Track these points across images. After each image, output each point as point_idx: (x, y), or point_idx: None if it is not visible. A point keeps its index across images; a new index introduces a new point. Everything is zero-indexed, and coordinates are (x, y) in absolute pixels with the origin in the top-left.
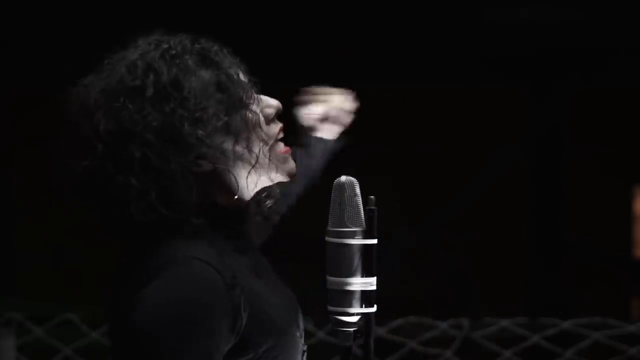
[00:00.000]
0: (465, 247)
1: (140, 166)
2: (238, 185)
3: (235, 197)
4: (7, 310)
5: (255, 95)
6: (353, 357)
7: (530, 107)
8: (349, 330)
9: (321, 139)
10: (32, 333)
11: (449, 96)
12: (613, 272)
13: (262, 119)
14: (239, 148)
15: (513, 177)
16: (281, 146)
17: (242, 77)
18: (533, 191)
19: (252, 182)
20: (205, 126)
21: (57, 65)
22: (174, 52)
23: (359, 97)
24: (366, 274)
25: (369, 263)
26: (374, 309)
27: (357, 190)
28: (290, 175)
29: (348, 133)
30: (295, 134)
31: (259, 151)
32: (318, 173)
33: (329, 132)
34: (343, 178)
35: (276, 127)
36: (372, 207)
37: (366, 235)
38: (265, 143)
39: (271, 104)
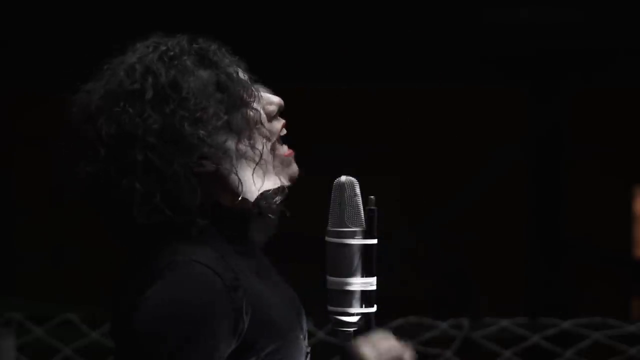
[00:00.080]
0: (465, 247)
1: (143, 169)
2: (242, 186)
3: (240, 197)
4: (7, 310)
5: (256, 93)
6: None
7: (530, 107)
8: (349, 330)
9: None
10: (32, 333)
11: (449, 96)
12: (613, 272)
13: (264, 116)
14: (242, 146)
15: (513, 177)
16: (284, 148)
17: (241, 75)
18: (533, 191)
19: (257, 181)
20: (206, 126)
21: (57, 65)
22: (172, 53)
23: (359, 97)
24: (366, 274)
25: (369, 263)
26: (374, 309)
27: (357, 190)
28: (293, 179)
29: (348, 133)
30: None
31: (263, 148)
32: None
33: None
34: (343, 178)
35: (279, 124)
36: (372, 207)
37: (366, 235)
38: (268, 140)
39: (273, 100)
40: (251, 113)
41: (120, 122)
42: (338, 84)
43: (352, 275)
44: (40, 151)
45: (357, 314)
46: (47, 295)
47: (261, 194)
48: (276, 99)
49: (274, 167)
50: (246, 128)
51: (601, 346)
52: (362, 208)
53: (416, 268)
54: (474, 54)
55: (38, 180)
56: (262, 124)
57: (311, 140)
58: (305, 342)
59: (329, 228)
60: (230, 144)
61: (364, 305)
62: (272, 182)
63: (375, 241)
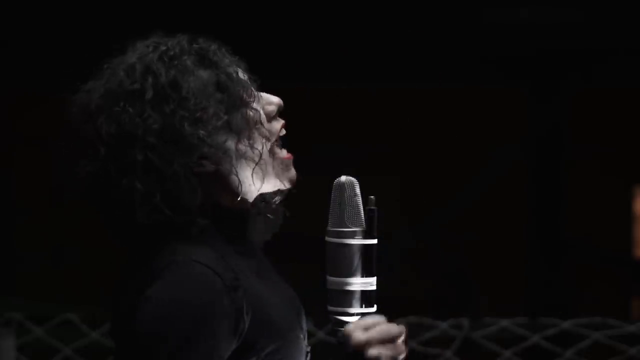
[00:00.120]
0: (465, 247)
1: (143, 169)
2: (241, 186)
3: (239, 198)
4: (7, 310)
5: (256, 93)
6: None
7: (530, 107)
8: None
9: None
10: (32, 333)
11: (449, 96)
12: (613, 272)
13: (263, 116)
14: (241, 146)
15: (513, 177)
16: (284, 152)
17: (241, 75)
18: (533, 191)
19: (256, 182)
20: (206, 126)
21: (57, 65)
22: (171, 53)
23: (359, 97)
24: (366, 274)
25: (369, 263)
26: (374, 309)
27: (357, 190)
28: (292, 182)
29: (348, 133)
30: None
31: (262, 148)
32: None
33: None
34: (343, 178)
35: (278, 125)
36: (372, 207)
37: (366, 235)
38: (268, 140)
39: (272, 101)
40: (251, 113)
41: (120, 122)
42: (338, 84)
43: (352, 275)
44: (40, 151)
45: (357, 314)
46: (47, 295)
47: (260, 194)
48: (276, 99)
49: (272, 168)
50: (246, 128)
51: (601, 346)
52: (362, 208)
53: (416, 268)
54: (474, 54)
55: (38, 180)
56: (261, 124)
57: (311, 140)
58: (305, 342)
59: (329, 228)
60: (230, 144)
61: (364, 306)
62: (271, 184)
63: (375, 241)
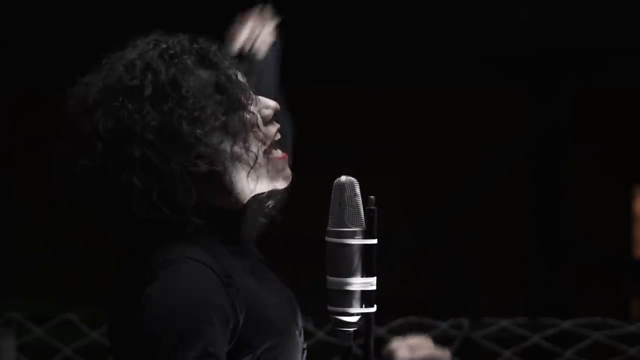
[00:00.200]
0: (465, 247)
1: (141, 165)
2: (235, 187)
3: (232, 198)
4: (7, 310)
5: (254, 96)
6: (353, 357)
7: (530, 107)
8: (349, 330)
9: (258, 62)
10: (32, 333)
11: (449, 96)
12: (613, 272)
13: (260, 119)
14: (237, 149)
15: (513, 177)
16: (278, 152)
17: (240, 77)
18: (533, 191)
19: (250, 183)
20: (204, 126)
21: (57, 65)
22: (172, 51)
23: (359, 97)
24: (366, 274)
25: (369, 263)
26: (374, 309)
27: (357, 190)
28: (287, 181)
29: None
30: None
31: (257, 151)
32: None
33: (260, 53)
34: (343, 178)
35: (274, 128)
36: (372, 207)
37: (366, 235)
38: (263, 143)
39: (269, 104)
40: (248, 116)
41: (118, 117)
42: (338, 84)
43: (352, 275)
44: (40, 151)
45: (357, 314)
46: (47, 295)
47: (254, 195)
48: (272, 103)
49: (267, 171)
50: (242, 131)
51: (601, 346)
52: (362, 208)
53: (416, 268)
54: (474, 54)
55: (38, 180)
56: (258, 127)
57: (311, 140)
58: (301, 339)
59: (329, 228)
60: (226, 145)
61: (364, 305)
62: (264, 186)
63: (375, 241)
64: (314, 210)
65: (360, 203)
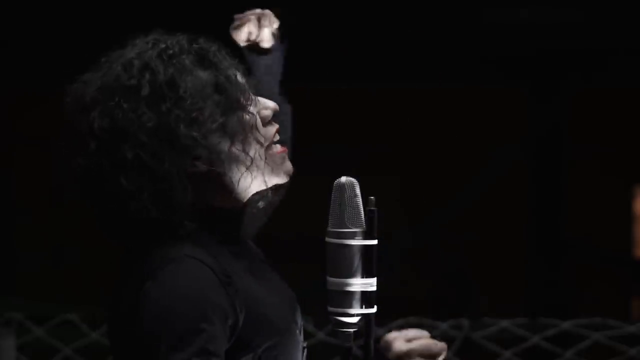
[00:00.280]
0: (465, 247)
1: (133, 166)
2: (233, 188)
3: (231, 198)
4: (7, 310)
5: (253, 97)
6: (353, 357)
7: (530, 107)
8: (349, 331)
9: (267, 53)
10: (32, 333)
11: (449, 96)
12: (613, 272)
13: (259, 120)
14: (235, 149)
15: (513, 177)
16: (277, 147)
17: (240, 78)
18: (533, 191)
19: (247, 184)
20: (201, 127)
21: (57, 65)
22: (171, 51)
23: (359, 97)
24: (366, 274)
25: (369, 264)
26: (374, 310)
27: (357, 190)
28: (288, 175)
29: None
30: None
31: (255, 153)
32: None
33: (267, 42)
34: (343, 179)
35: (273, 129)
36: (372, 208)
37: (366, 236)
38: (261, 145)
39: (268, 105)
40: (247, 117)
41: (113, 117)
42: (338, 84)
43: (352, 276)
44: (40, 151)
45: (357, 315)
46: (47, 295)
47: (253, 195)
48: (272, 104)
49: (265, 170)
50: (241, 132)
51: (601, 347)
52: (362, 209)
53: (416, 268)
54: (474, 54)
55: (38, 180)
56: (256, 128)
57: (311, 140)
58: (301, 338)
59: (329, 229)
60: (224, 146)
61: (364, 306)
62: (265, 183)
63: (375, 242)
64: (314, 210)
65: (361, 204)
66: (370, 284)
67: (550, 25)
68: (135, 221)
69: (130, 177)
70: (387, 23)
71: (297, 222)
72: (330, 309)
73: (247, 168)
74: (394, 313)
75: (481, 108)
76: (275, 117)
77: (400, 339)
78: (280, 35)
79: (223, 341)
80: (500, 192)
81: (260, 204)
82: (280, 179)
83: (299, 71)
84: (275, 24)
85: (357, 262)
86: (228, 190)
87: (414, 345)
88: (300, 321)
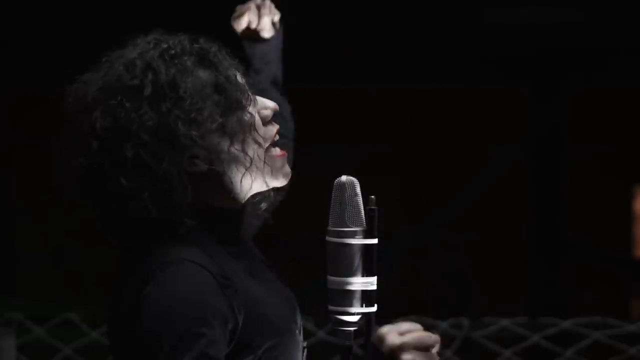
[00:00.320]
0: (465, 247)
1: (134, 165)
2: (232, 188)
3: (231, 198)
4: (7, 310)
5: (252, 97)
6: (353, 356)
7: (530, 107)
8: (350, 330)
9: (265, 42)
10: (32, 333)
11: (449, 96)
12: (613, 272)
13: (258, 120)
14: (234, 150)
15: (513, 177)
16: (277, 150)
17: (239, 78)
18: (533, 191)
19: (246, 184)
20: (200, 127)
21: (57, 64)
22: (173, 52)
23: (359, 97)
24: (367, 273)
25: (370, 263)
26: (374, 309)
27: (358, 190)
28: (287, 178)
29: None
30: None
31: (254, 153)
32: (280, 74)
33: (267, 32)
34: (344, 178)
35: (273, 130)
36: (373, 207)
37: (367, 235)
38: (260, 145)
39: (268, 105)
40: (246, 117)
41: (115, 116)
42: (338, 84)
43: (352, 275)
44: (40, 151)
45: (358, 314)
46: (47, 295)
47: (252, 195)
48: (271, 104)
49: (264, 171)
50: (240, 132)
51: (601, 346)
52: (362, 208)
53: (416, 268)
54: (474, 54)
55: (38, 180)
56: (255, 129)
57: (311, 140)
58: (301, 337)
59: (330, 228)
60: (223, 146)
61: (364, 305)
62: (264, 184)
63: (375, 241)
64: (314, 210)
65: (361, 203)
66: (370, 283)
67: (550, 25)
68: (135, 221)
69: (131, 176)
70: (387, 23)
71: (297, 221)
72: (331, 307)
73: (247, 168)
74: (394, 313)
75: (481, 108)
76: (275, 117)
77: (394, 332)
78: (280, 25)
79: (223, 345)
80: (500, 192)
81: (263, 204)
82: (279, 182)
83: (299, 71)
84: (276, 14)
85: (357, 261)
86: (227, 190)
87: (407, 338)
88: (299, 321)
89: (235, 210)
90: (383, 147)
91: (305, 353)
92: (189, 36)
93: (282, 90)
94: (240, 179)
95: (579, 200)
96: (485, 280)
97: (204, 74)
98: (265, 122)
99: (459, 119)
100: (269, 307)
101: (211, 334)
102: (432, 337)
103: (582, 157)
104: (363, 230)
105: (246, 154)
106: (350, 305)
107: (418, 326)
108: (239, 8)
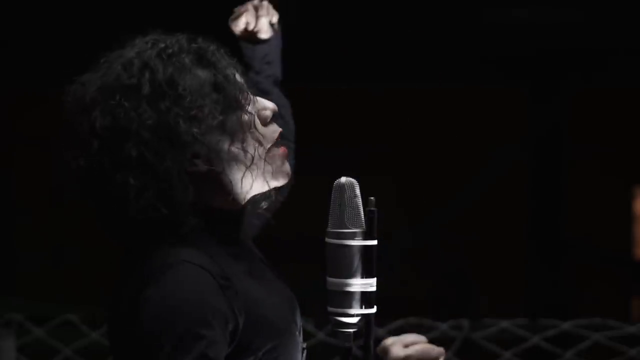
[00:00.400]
0: (465, 247)
1: (137, 164)
2: (233, 187)
3: (231, 199)
4: (8, 311)
5: (251, 97)
6: (353, 358)
7: (530, 107)
8: (349, 331)
9: (264, 43)
10: (32, 333)
11: (449, 96)
12: (613, 272)
13: (257, 120)
14: (234, 149)
15: (513, 177)
16: (278, 150)
17: (238, 77)
18: (533, 191)
19: (247, 184)
20: (200, 125)
21: (57, 65)
22: (170, 51)
23: (359, 97)
24: (366, 275)
25: (369, 264)
26: (374, 310)
27: (357, 191)
28: (287, 177)
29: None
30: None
31: (255, 152)
32: (280, 74)
33: (265, 33)
34: (343, 179)
35: (275, 131)
36: (372, 208)
37: (366, 236)
38: (261, 144)
39: (267, 106)
40: (245, 116)
41: (115, 115)
42: (338, 84)
43: (352, 276)
44: (40, 151)
45: (357, 315)
46: (47, 295)
47: (252, 196)
48: (271, 105)
49: (265, 171)
50: (240, 131)
51: (601, 347)
52: (362, 209)
53: (416, 268)
54: (474, 54)
55: (38, 180)
56: (255, 128)
57: (311, 140)
58: (301, 339)
59: (329, 229)
60: (223, 145)
61: (363, 306)
62: (264, 185)
63: (375, 242)
64: (314, 210)
65: (360, 204)
66: (370, 284)
67: (550, 25)
68: (135, 221)
69: (132, 175)
70: (388, 23)
71: (297, 222)
72: (330, 309)
73: (247, 167)
74: (394, 314)
75: (481, 108)
76: (275, 118)
77: (398, 344)
78: (278, 26)
79: (223, 346)
80: (500, 192)
81: (263, 204)
82: (279, 182)
83: (298, 71)
84: (274, 15)
85: (356, 262)
86: (227, 191)
87: (411, 350)
88: (299, 322)
89: (235, 211)
90: (383, 147)
91: (305, 354)
92: (187, 36)
93: (282, 90)
94: (240, 178)
95: (579, 200)
96: (485, 280)
97: (202, 73)
98: (266, 123)
99: (459, 119)
100: (269, 308)
101: (211, 335)
102: (436, 350)
103: (582, 157)
104: (362, 232)
105: (247, 152)
106: (350, 307)
107: (423, 338)
108: (236, 9)
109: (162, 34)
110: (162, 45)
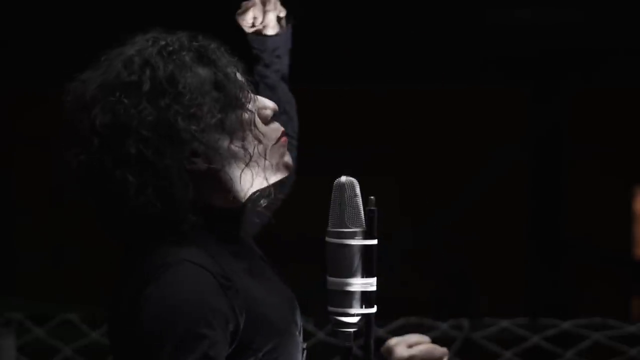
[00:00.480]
0: (465, 247)
1: (136, 161)
2: (232, 186)
3: (231, 197)
4: (7, 310)
5: (252, 95)
6: (353, 357)
7: (530, 107)
8: (349, 331)
9: (272, 38)
10: (32, 333)
11: (450, 96)
12: (613, 272)
13: (257, 119)
14: (234, 147)
15: (513, 177)
16: (280, 142)
17: (239, 76)
18: (533, 191)
19: (247, 181)
20: (200, 122)
21: (57, 65)
22: (171, 48)
23: (361, 98)
24: (366, 274)
25: (369, 263)
26: (374, 310)
27: (357, 190)
28: (288, 169)
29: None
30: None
31: (254, 150)
32: (287, 70)
33: (272, 29)
34: (343, 178)
35: (278, 131)
36: (372, 208)
37: (366, 236)
38: (261, 142)
39: (267, 105)
40: (246, 115)
41: (115, 112)
42: (340, 84)
43: (352, 275)
44: (40, 151)
45: (357, 315)
46: (47, 295)
47: (252, 194)
48: (271, 104)
49: (265, 167)
50: (239, 129)
51: (601, 347)
52: (362, 208)
53: (417, 269)
54: (475, 55)
55: (38, 180)
56: (255, 126)
57: (314, 141)
58: (301, 338)
59: (329, 229)
60: (223, 143)
61: (364, 306)
62: (265, 181)
63: (375, 242)
64: (315, 210)
65: (361, 203)
66: (370, 284)
67: (551, 25)
68: (135, 219)
69: (133, 172)
70: (390, 24)
71: (298, 222)
72: (330, 308)
73: (247, 164)
74: (395, 313)
75: (481, 108)
76: (276, 115)
77: (402, 345)
78: (286, 21)
79: (224, 346)
80: (500, 192)
81: (263, 201)
82: (280, 175)
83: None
84: (281, 10)
85: (357, 262)
86: (227, 189)
87: (415, 350)
88: (300, 322)
89: (235, 209)
90: (385, 147)
91: (305, 354)
92: (187, 34)
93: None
94: (239, 175)
95: (579, 200)
96: (485, 280)
97: (202, 71)
98: (267, 121)
99: (460, 119)
100: (269, 307)
101: (212, 335)
102: (440, 350)
103: (582, 157)
104: (363, 231)
105: (246, 150)
106: (350, 307)
107: (426, 338)
108: (244, 4)
109: (163, 32)
110: (163, 42)
